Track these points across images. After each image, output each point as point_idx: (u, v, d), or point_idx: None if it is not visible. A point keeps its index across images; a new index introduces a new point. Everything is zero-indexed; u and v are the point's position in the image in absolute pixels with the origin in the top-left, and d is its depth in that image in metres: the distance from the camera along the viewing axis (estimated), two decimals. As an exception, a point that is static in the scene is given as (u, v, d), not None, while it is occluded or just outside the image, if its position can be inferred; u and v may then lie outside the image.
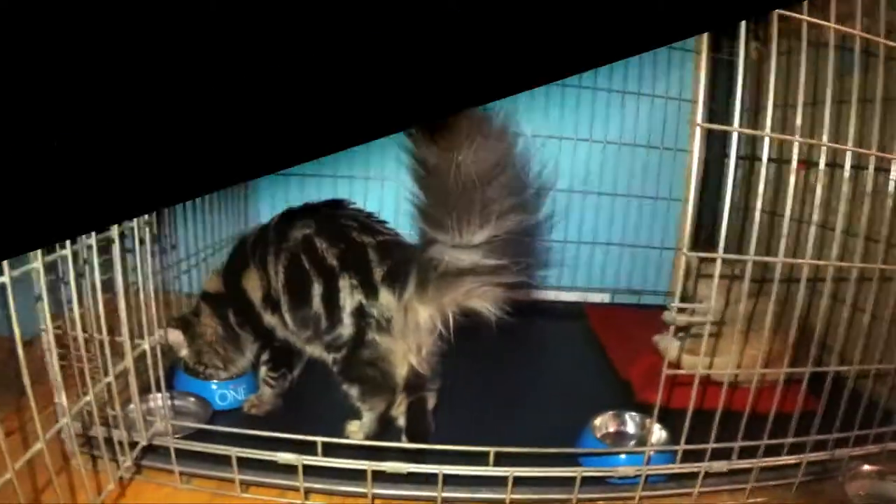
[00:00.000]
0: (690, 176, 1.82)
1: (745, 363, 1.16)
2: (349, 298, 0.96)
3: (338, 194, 1.72)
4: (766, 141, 0.81)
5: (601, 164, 1.79)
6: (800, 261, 0.89)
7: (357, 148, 1.69)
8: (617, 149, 1.78)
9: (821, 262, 0.91)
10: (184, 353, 1.12)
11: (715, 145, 1.79)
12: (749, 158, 1.74)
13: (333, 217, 1.05)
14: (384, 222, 1.08)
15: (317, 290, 0.98)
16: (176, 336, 1.10)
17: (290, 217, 1.08)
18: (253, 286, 1.07)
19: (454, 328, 0.90)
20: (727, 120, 1.79)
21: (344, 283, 0.96)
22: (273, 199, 1.75)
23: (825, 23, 0.79)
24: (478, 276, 0.82)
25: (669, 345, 1.42)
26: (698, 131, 0.78)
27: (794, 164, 0.84)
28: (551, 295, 1.83)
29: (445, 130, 0.73)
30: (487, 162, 0.74)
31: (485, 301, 0.85)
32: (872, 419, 1.01)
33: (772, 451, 0.94)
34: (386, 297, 0.94)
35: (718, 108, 1.76)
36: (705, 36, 0.76)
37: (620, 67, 1.75)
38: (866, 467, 0.99)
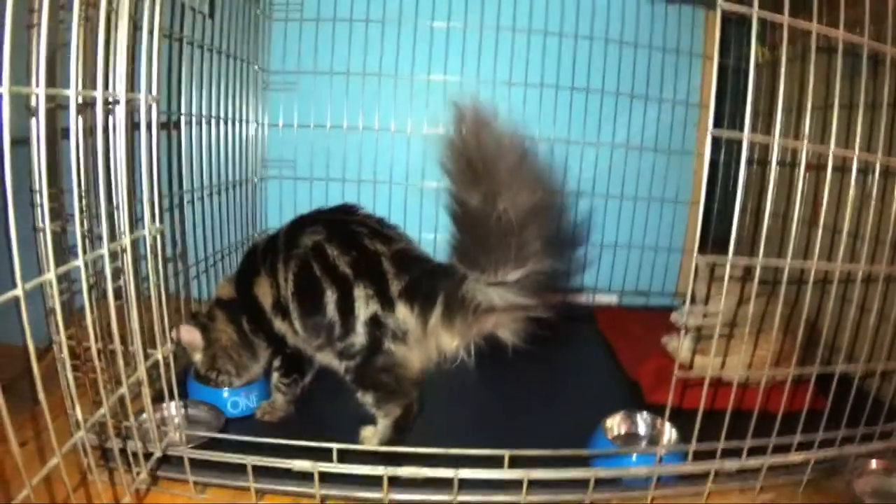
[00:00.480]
0: (701, 181, 1.84)
1: (754, 363, 1.16)
2: (364, 308, 0.96)
3: (346, 198, 1.72)
4: (776, 147, 0.81)
5: (609, 167, 1.79)
6: (808, 263, 0.89)
7: (366, 151, 1.73)
8: (625, 152, 1.78)
9: (829, 266, 0.91)
10: (197, 357, 1.11)
11: (724, 148, 1.78)
12: (760, 163, 1.74)
13: (343, 223, 1.05)
14: (394, 227, 1.08)
15: (330, 297, 0.98)
16: (194, 335, 1.09)
17: (299, 224, 1.08)
18: (263, 293, 1.08)
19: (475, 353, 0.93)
20: (736, 124, 1.81)
21: (359, 293, 0.96)
22: (281, 203, 1.76)
23: (833, 31, 0.79)
24: (507, 312, 0.83)
25: (678, 346, 1.43)
26: (708, 138, 0.78)
27: (803, 168, 0.84)
28: (559, 297, 1.83)
29: (488, 174, 0.73)
30: (526, 206, 0.75)
31: (508, 332, 0.87)
32: (879, 417, 1.02)
33: (780, 449, 0.95)
34: (403, 311, 0.95)
35: (728, 111, 1.77)
36: (716, 41, 0.75)
37: (629, 71, 1.75)
38: (873, 464, 1.00)
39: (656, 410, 1.11)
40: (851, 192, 0.88)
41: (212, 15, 1.35)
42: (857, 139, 0.87)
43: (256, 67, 1.63)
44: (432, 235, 1.78)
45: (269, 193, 1.77)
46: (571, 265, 1.81)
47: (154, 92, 0.78)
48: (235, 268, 1.22)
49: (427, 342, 0.92)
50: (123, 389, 0.72)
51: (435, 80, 1.72)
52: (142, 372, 0.75)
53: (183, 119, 1.26)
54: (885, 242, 0.95)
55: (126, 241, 0.74)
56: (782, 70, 0.80)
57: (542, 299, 0.81)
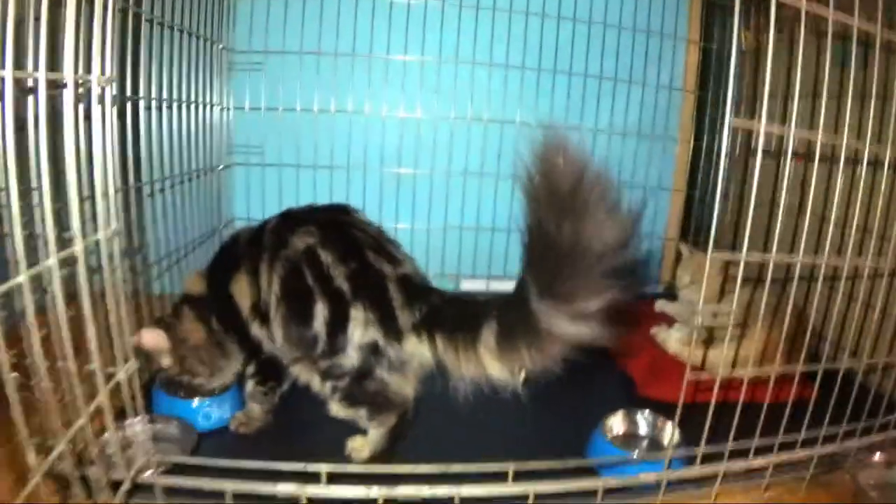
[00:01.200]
0: (683, 167, 1.81)
1: (753, 358, 1.14)
2: (360, 330, 0.88)
3: (318, 186, 1.64)
4: (791, 138, 0.77)
5: (591, 151, 1.73)
6: (818, 262, 0.86)
7: (338, 135, 1.62)
8: (608, 137, 1.73)
9: (838, 262, 0.88)
10: (165, 361, 1.01)
11: (706, 136, 1.77)
12: (754, 153, 1.73)
13: (340, 228, 0.96)
14: (395, 243, 1.00)
15: (320, 310, 0.89)
16: (158, 338, 0.98)
17: (289, 220, 0.98)
18: (241, 292, 0.98)
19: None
20: (717, 109, 1.79)
21: (357, 314, 0.88)
22: (249, 191, 1.65)
23: (851, 18, 0.74)
24: (565, 340, 0.79)
25: (668, 337, 1.40)
26: (726, 129, 0.73)
27: (816, 160, 0.80)
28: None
29: (576, 208, 0.71)
30: (609, 240, 0.72)
31: (551, 362, 0.82)
32: (878, 410, 1.01)
33: (785, 447, 0.93)
34: (414, 345, 0.88)
35: (711, 95, 1.74)
36: (735, 24, 0.70)
37: (612, 54, 1.69)
38: (876, 457, 1.00)
39: (649, 404, 1.09)
40: (861, 184, 0.85)
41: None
42: (869, 129, 0.84)
43: (221, 46, 1.50)
44: (408, 225, 1.71)
45: (236, 181, 1.66)
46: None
47: (108, 72, 0.68)
48: (208, 261, 1.10)
49: (468, 369, 0.86)
50: (83, 420, 0.63)
51: (411, 61, 1.63)
52: (103, 397, 0.66)
53: (142, 103, 1.14)
54: (891, 238, 0.93)
55: (78, 246, 0.64)
56: (799, 54, 0.75)
57: (610, 330, 0.78)
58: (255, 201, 1.65)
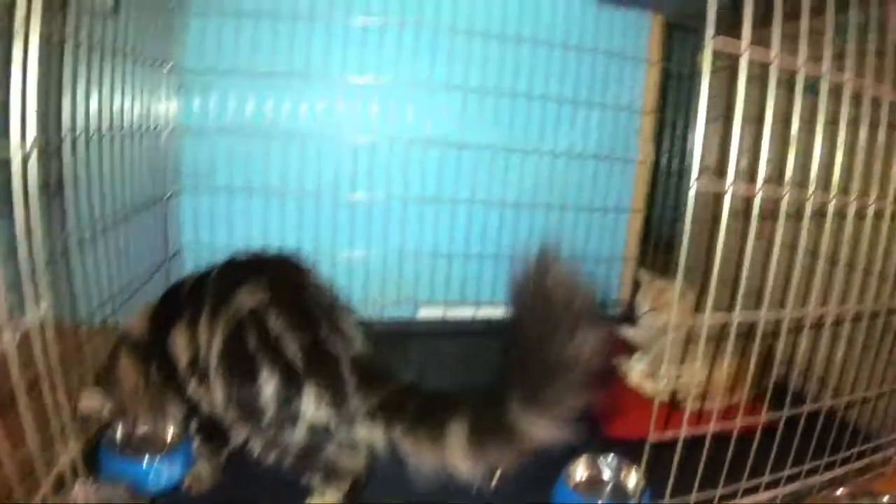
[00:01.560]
0: (642, 186, 1.82)
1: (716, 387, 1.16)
2: (313, 409, 0.83)
3: (270, 211, 1.57)
4: (758, 198, 0.77)
5: (550, 175, 1.73)
6: (782, 313, 0.88)
7: (291, 159, 1.53)
8: (566, 160, 1.72)
9: (823, 309, 0.91)
10: (107, 410, 0.95)
11: (665, 157, 1.79)
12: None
13: (292, 288, 0.91)
14: (348, 313, 0.95)
15: (268, 380, 0.83)
16: (93, 399, 0.93)
17: (234, 271, 0.92)
18: (181, 345, 0.91)
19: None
20: (676, 128, 1.81)
21: (310, 390, 0.83)
22: (197, 218, 1.57)
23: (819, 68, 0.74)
24: (542, 441, 0.77)
25: (629, 369, 1.41)
26: (694, 190, 0.72)
27: (782, 219, 0.80)
28: (498, 312, 1.76)
29: (566, 320, 0.70)
30: (594, 349, 0.72)
31: (524, 459, 0.80)
32: (842, 442, 1.05)
33: (749, 491, 0.94)
34: (367, 431, 0.83)
35: (669, 116, 1.75)
36: (705, 74, 0.68)
37: (572, 76, 1.68)
38: (839, 492, 1.03)
39: (614, 442, 1.08)
40: (826, 236, 0.86)
41: (116, 10, 1.12)
42: (835, 179, 0.86)
43: (169, 66, 1.41)
44: (363, 252, 1.66)
45: (184, 207, 1.58)
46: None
47: (31, 138, 0.61)
48: (155, 300, 1.03)
49: (431, 460, 0.81)
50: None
51: (367, 83, 1.58)
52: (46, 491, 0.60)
53: (80, 138, 1.04)
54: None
55: (7, 336, 0.58)
56: (767, 118, 0.75)
57: (583, 429, 0.77)
58: (203, 228, 1.58)
